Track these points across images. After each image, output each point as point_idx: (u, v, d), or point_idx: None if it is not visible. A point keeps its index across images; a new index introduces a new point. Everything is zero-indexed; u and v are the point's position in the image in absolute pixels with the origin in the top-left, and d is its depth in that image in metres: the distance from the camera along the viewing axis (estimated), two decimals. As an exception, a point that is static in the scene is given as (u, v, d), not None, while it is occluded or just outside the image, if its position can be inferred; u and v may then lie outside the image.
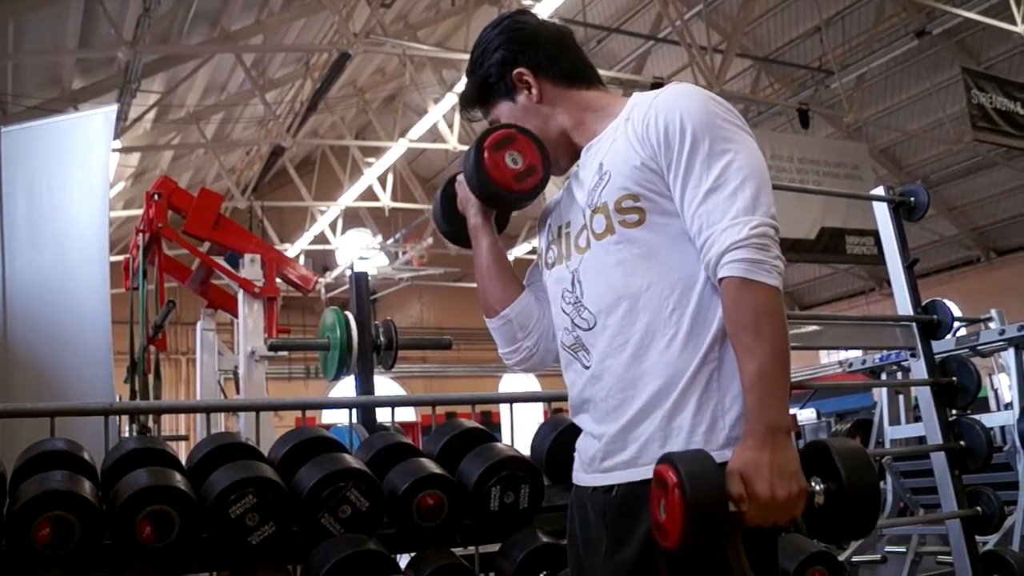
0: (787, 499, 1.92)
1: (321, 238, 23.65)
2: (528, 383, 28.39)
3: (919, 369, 5.57)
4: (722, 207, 2.05)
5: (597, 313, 2.22)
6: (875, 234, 8.27)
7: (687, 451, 1.99)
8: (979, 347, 7.74)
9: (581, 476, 2.32)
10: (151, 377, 7.49)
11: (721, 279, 2.04)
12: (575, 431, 2.40)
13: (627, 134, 2.23)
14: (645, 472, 2.07)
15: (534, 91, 2.46)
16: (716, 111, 2.17)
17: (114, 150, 13.60)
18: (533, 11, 13.57)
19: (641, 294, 2.15)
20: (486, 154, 2.39)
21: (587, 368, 2.27)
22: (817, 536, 2.14)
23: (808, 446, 2.07)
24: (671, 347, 2.11)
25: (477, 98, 2.57)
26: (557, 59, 2.49)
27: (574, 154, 2.45)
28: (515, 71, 2.46)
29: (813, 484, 1.99)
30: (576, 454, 2.37)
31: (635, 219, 2.17)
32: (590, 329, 2.24)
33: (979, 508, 5.30)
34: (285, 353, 8.24)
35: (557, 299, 2.37)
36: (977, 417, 5.98)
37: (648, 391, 2.12)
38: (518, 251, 24.18)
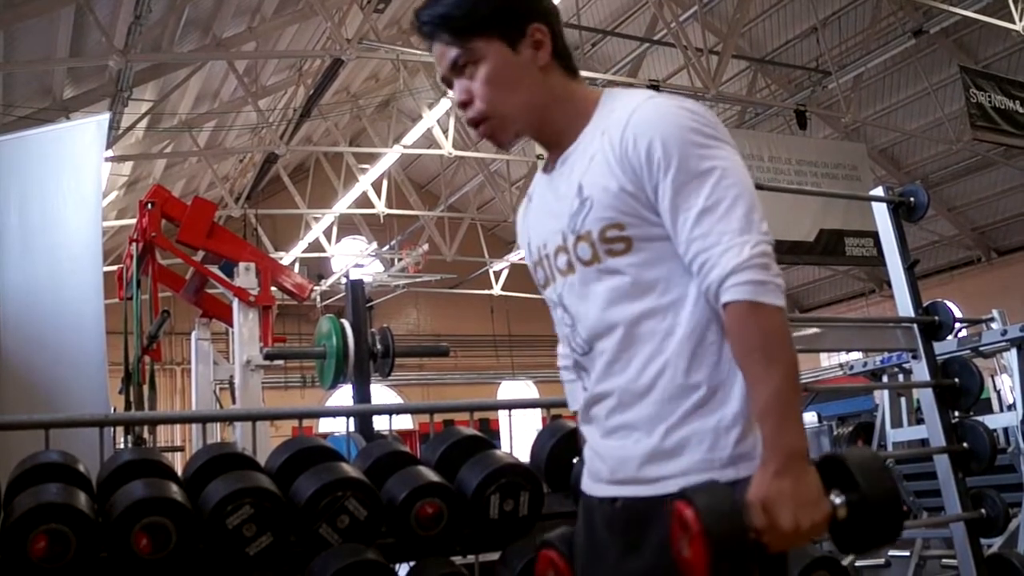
0: (811, 527, 1.89)
1: (316, 246, 23.60)
2: (526, 390, 28.40)
3: (921, 371, 5.55)
4: (718, 229, 2.00)
5: (590, 339, 2.18)
6: (875, 235, 8.26)
7: (703, 485, 1.93)
8: (981, 348, 7.71)
9: (588, 484, 2.28)
10: (146, 388, 7.46)
11: (726, 304, 1.99)
12: (574, 437, 2.37)
13: (604, 153, 2.11)
14: (649, 489, 2.05)
15: (542, 54, 2.20)
16: (694, 126, 2.07)
17: (106, 159, 13.56)
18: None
19: (635, 320, 2.10)
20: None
21: (586, 390, 2.24)
22: (844, 549, 2.09)
23: (822, 460, 2.03)
24: (667, 369, 2.07)
25: (461, 25, 2.19)
26: (562, 34, 2.27)
27: (536, 135, 2.28)
28: (533, 23, 2.19)
29: (834, 498, 1.94)
30: (584, 461, 2.33)
31: (622, 247, 2.10)
32: (586, 354, 2.21)
33: (983, 511, 5.28)
34: (281, 362, 8.23)
35: (555, 320, 2.32)
36: (980, 419, 5.95)
37: (648, 413, 2.09)
38: (514, 257, 24.20)
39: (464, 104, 2.24)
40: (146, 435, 7.01)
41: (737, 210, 2.00)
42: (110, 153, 15.56)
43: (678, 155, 2.02)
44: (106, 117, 7.74)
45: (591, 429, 2.26)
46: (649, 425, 2.07)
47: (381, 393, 23.27)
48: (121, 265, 8.62)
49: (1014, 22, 14.93)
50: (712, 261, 1.99)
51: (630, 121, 2.08)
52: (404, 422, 22.25)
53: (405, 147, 19.09)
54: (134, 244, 7.77)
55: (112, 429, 5.95)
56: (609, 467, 2.17)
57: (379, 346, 6.89)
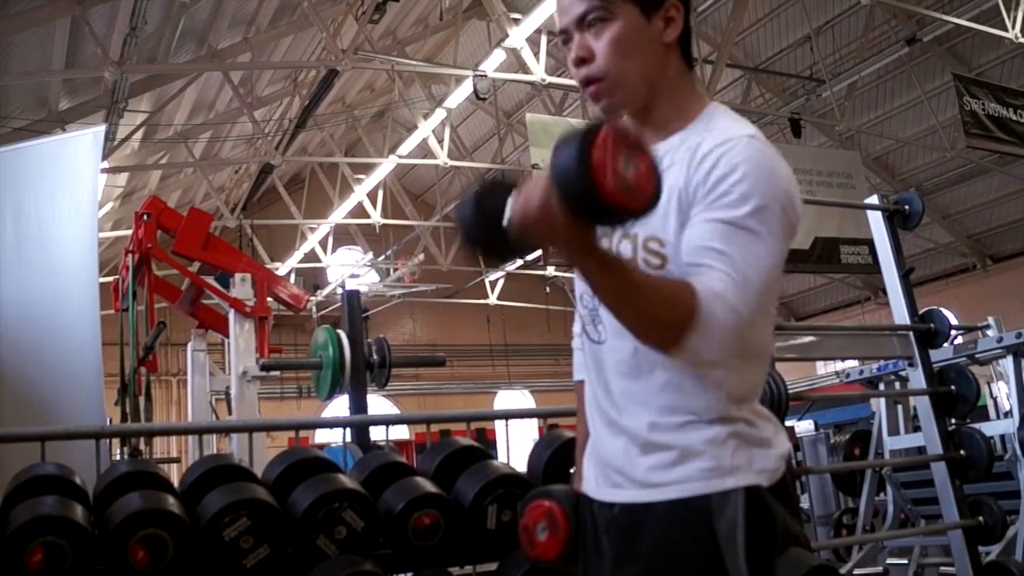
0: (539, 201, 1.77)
1: (311, 256, 23.58)
2: (523, 399, 28.37)
3: (917, 378, 5.56)
4: (736, 270, 1.88)
5: (609, 328, 2.15)
6: (870, 243, 8.25)
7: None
8: (977, 355, 7.71)
9: (591, 488, 2.27)
10: (142, 399, 7.45)
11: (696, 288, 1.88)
12: (571, 447, 2.35)
13: (684, 168, 2.03)
14: (648, 494, 2.06)
15: (670, 31, 2.13)
16: (791, 192, 2.01)
17: (101, 170, 13.53)
18: (522, 22, 13.67)
19: None
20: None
21: (598, 380, 2.22)
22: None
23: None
24: (670, 388, 2.07)
25: None
26: (690, 22, 2.21)
27: (637, 112, 2.18)
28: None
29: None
30: (588, 461, 2.30)
31: (658, 263, 2.03)
32: (600, 343, 2.18)
33: (981, 518, 5.28)
34: (277, 373, 8.21)
35: (579, 297, 2.28)
36: (977, 426, 5.96)
37: (650, 418, 2.08)
38: (509, 266, 24.15)
39: (581, 61, 2.14)
40: (142, 446, 6.99)
41: (759, 277, 1.91)
42: (105, 164, 15.53)
43: (758, 200, 1.93)
44: (102, 129, 7.72)
45: (597, 421, 2.24)
46: (654, 431, 2.07)
47: (377, 403, 23.29)
48: (117, 276, 8.61)
49: (1007, 30, 14.94)
50: (710, 271, 1.90)
51: (728, 148, 1.99)
52: (401, 432, 22.21)
53: (400, 157, 19.09)
54: (130, 255, 7.76)
55: (108, 441, 5.93)
56: (610, 468, 2.17)
57: (375, 357, 6.87)
